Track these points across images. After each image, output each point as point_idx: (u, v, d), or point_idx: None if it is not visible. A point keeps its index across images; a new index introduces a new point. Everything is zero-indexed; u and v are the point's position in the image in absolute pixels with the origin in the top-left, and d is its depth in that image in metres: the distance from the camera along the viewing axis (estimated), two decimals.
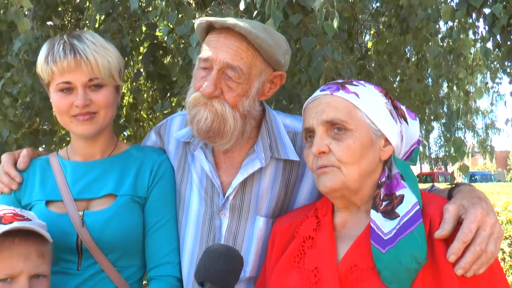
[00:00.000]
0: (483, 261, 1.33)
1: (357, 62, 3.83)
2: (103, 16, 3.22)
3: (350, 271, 1.45)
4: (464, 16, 2.72)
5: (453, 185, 1.59)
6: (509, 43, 2.89)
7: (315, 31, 2.58)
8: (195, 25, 1.82)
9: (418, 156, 1.69)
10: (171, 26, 2.66)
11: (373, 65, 3.84)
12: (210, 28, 1.77)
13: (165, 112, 3.46)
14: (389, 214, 1.46)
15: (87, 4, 3.40)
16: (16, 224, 1.57)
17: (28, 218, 1.65)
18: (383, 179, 1.54)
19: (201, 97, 1.72)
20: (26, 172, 1.95)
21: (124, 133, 3.60)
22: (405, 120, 1.61)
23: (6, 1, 2.43)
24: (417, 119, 1.67)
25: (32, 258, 1.58)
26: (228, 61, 1.68)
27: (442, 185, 1.89)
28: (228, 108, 1.71)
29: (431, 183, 1.83)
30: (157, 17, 2.58)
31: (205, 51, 1.73)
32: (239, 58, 1.69)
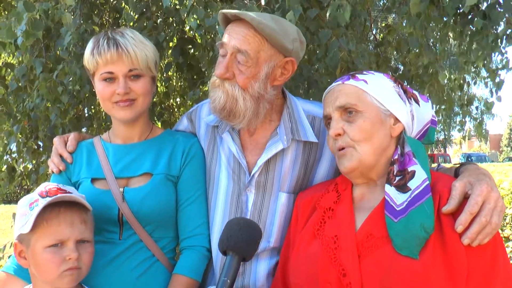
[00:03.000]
0: (488, 231, 1.32)
1: (375, 49, 3.78)
2: (137, 16, 3.23)
3: (366, 239, 1.45)
4: (428, 7, 2.73)
5: (459, 164, 1.59)
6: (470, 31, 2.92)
7: (331, 24, 2.56)
8: (218, 18, 1.84)
9: (434, 136, 1.68)
10: (198, 22, 2.65)
11: (383, 52, 3.77)
12: (229, 20, 1.78)
13: (196, 99, 3.47)
14: (402, 188, 1.47)
15: (123, 5, 3.40)
16: (59, 195, 1.61)
17: (70, 191, 1.68)
18: (396, 157, 1.55)
19: (217, 79, 1.75)
20: (74, 153, 1.98)
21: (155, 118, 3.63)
22: (416, 102, 1.61)
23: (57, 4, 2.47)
24: (429, 101, 1.66)
25: (76, 225, 1.61)
26: (237, 46, 1.70)
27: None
28: (238, 89, 1.73)
29: (433, 163, 1.82)
30: (186, 14, 2.59)
31: (223, 38, 1.77)
32: (247, 43, 1.70)
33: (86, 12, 2.92)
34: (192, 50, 3.37)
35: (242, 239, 1.35)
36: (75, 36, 2.57)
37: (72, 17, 2.72)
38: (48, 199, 1.58)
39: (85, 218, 1.65)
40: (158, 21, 3.11)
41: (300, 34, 1.82)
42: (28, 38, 2.38)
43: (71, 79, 2.86)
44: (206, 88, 3.36)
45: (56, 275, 1.57)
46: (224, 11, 1.76)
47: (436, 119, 1.66)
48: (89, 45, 1.86)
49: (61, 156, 1.97)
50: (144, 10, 3.14)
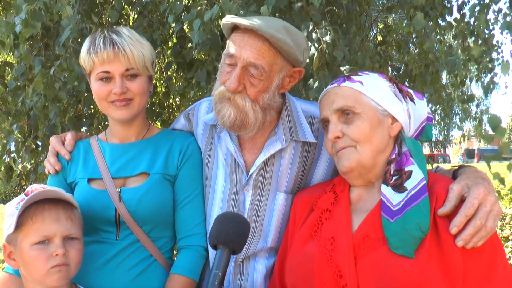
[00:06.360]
0: (482, 234, 1.32)
1: (377, 47, 3.75)
2: (136, 15, 3.21)
3: (363, 240, 1.45)
4: None
5: (458, 167, 1.58)
6: None
7: (315, 18, 2.51)
8: (222, 23, 1.78)
9: (432, 132, 1.68)
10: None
11: (384, 51, 3.75)
12: (235, 27, 1.73)
13: (194, 99, 3.44)
14: (398, 188, 1.47)
15: (123, 4, 3.39)
16: (42, 190, 1.60)
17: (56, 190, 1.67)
18: (393, 156, 1.55)
19: (226, 91, 1.71)
20: (71, 153, 1.96)
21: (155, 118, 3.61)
22: (412, 100, 1.61)
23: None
24: (424, 99, 1.66)
25: (62, 221, 1.60)
26: (251, 60, 1.65)
27: (443, 166, 1.87)
28: (249, 103, 1.70)
29: (432, 164, 1.82)
30: (169, 10, 2.56)
31: (230, 48, 1.70)
32: (261, 58, 1.66)
33: (86, 8, 2.89)
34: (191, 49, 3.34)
35: (232, 232, 1.37)
36: (74, 30, 2.54)
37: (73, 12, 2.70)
38: (31, 195, 1.57)
39: (71, 215, 1.64)
40: (153, 19, 3.09)
41: (307, 42, 1.80)
42: (27, 27, 2.35)
43: (67, 75, 2.84)
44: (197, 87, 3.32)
45: (43, 272, 1.55)
46: (236, 21, 1.69)
47: (432, 116, 1.66)
48: (86, 44, 1.84)
49: (57, 156, 1.96)
50: (142, 9, 3.13)
